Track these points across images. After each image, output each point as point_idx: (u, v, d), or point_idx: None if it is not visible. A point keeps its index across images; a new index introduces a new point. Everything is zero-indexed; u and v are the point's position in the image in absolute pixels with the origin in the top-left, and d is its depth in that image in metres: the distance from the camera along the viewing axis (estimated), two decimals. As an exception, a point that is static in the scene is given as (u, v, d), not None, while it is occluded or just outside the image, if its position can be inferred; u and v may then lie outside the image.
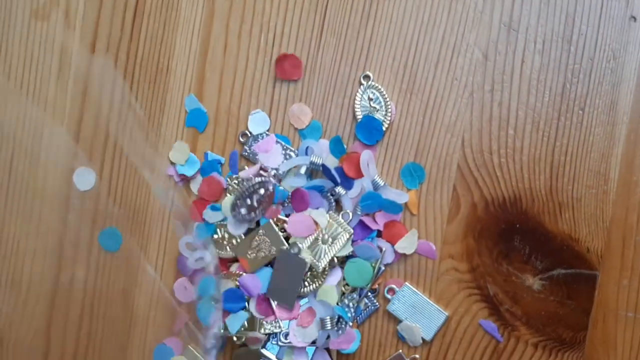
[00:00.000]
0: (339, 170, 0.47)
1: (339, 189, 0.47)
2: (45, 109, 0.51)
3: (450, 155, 0.47)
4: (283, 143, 0.49)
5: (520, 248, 0.46)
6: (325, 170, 0.47)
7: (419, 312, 0.47)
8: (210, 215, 0.49)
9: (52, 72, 0.51)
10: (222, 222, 0.49)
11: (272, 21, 0.49)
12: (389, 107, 0.47)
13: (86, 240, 0.51)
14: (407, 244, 0.47)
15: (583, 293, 0.46)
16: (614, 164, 0.45)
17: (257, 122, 0.49)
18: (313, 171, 0.48)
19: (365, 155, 0.47)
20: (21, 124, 0.51)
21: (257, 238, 0.47)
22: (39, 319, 0.51)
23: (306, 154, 0.48)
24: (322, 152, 0.48)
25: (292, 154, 0.48)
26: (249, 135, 0.49)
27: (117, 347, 0.51)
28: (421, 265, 0.47)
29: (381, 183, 0.47)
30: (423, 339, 0.47)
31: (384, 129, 0.47)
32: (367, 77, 0.48)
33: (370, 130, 0.47)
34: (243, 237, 0.48)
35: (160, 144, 0.50)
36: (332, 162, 0.48)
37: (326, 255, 0.46)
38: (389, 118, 0.47)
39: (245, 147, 0.49)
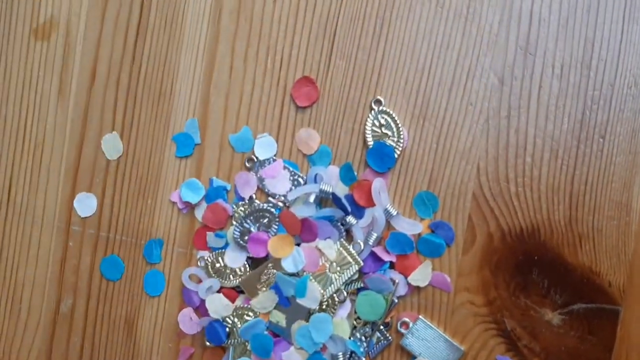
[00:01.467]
0: (349, 198, 0.46)
1: (350, 219, 0.46)
2: (45, 131, 0.50)
3: (465, 183, 0.46)
4: (291, 169, 0.47)
5: (538, 281, 0.45)
6: (335, 199, 0.45)
7: (433, 347, 0.46)
8: (214, 242, 0.47)
9: (52, 92, 0.50)
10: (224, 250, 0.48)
11: (280, 44, 0.48)
12: (401, 133, 0.46)
13: (87, 268, 0.50)
14: (420, 276, 0.46)
15: (605, 328, 0.44)
16: (636, 194, 0.44)
17: (264, 146, 0.48)
18: (322, 199, 0.47)
19: (377, 183, 0.45)
20: (20, 147, 0.50)
21: (265, 272, 0.46)
22: (39, 346, 0.51)
23: (315, 181, 0.46)
24: (331, 180, 0.47)
25: (300, 180, 0.47)
26: (256, 160, 0.48)
27: (119, 379, 0.50)
28: (435, 298, 0.46)
29: (394, 212, 0.45)
30: (438, 375, 0.46)
31: (396, 155, 0.46)
32: (378, 102, 0.46)
33: (381, 157, 0.46)
34: (248, 268, 0.47)
35: (164, 167, 0.49)
36: (342, 190, 0.47)
37: (333, 285, 0.45)
38: (401, 144, 0.46)
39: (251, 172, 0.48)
